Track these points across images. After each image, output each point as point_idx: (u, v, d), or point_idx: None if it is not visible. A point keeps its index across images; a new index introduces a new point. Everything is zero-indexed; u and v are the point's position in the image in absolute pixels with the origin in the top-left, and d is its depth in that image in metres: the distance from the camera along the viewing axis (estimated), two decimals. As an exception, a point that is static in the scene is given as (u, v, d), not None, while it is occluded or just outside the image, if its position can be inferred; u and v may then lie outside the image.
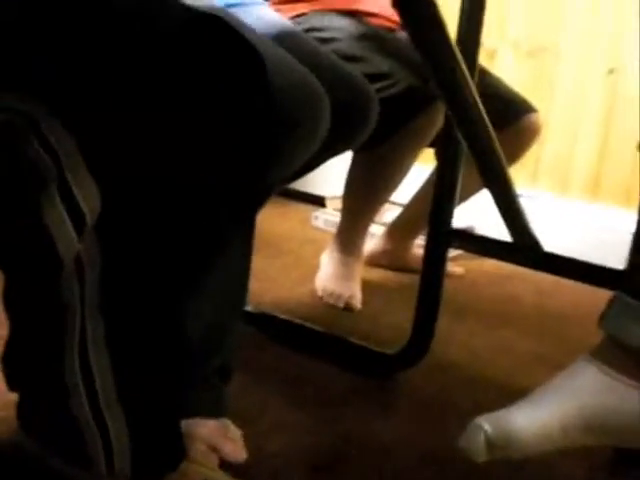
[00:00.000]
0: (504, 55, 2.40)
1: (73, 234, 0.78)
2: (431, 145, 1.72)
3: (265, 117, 0.85)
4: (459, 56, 0.98)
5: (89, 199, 0.78)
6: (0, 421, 1.03)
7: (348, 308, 1.69)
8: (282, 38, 1.18)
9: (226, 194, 0.88)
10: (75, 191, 0.77)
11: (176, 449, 0.92)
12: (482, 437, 0.82)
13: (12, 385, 0.96)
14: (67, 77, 0.77)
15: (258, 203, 1.01)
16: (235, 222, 0.95)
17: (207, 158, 0.83)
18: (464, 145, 1.18)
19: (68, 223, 0.78)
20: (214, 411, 1.01)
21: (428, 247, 1.31)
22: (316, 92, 1.00)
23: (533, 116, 1.80)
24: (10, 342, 0.94)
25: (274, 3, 1.59)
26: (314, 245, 2.08)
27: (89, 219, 0.79)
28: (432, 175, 1.89)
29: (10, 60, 0.77)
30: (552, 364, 1.36)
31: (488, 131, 1.08)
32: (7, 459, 0.96)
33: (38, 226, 0.78)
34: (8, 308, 0.91)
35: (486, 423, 0.83)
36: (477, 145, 1.09)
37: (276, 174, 0.98)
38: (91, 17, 0.79)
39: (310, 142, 1.00)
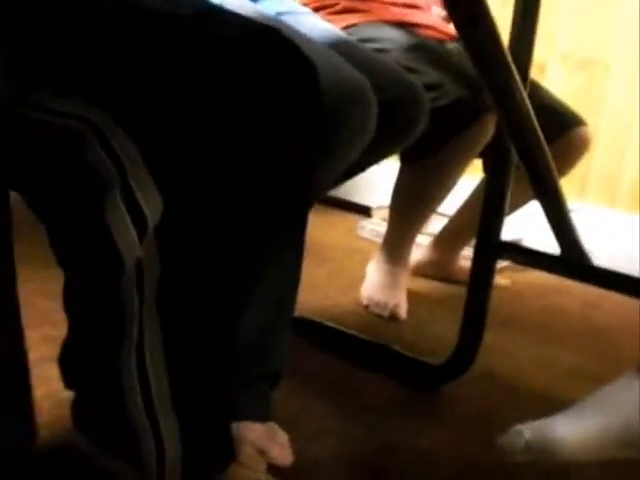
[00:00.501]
0: (553, 68, 2.39)
1: (135, 237, 0.80)
2: (479, 156, 1.72)
3: (314, 114, 0.87)
4: (512, 66, 0.98)
5: (151, 203, 0.80)
6: (54, 419, 1.05)
7: (393, 317, 1.69)
8: (334, 43, 1.19)
9: (279, 193, 0.90)
10: (138, 195, 0.79)
11: (226, 451, 0.94)
12: (522, 440, 0.83)
13: (68, 384, 0.98)
14: (130, 84, 0.80)
15: (309, 203, 1.02)
16: (287, 225, 0.96)
17: (261, 157, 0.85)
18: (515, 156, 1.18)
19: (130, 226, 0.80)
20: (262, 415, 1.03)
21: (476, 258, 1.31)
22: (364, 89, 1.01)
23: (583, 129, 1.79)
24: (68, 341, 0.96)
25: (326, 14, 1.61)
26: (360, 255, 2.09)
27: (150, 223, 0.81)
28: (479, 186, 1.89)
29: (74, 66, 0.80)
30: (596, 377, 1.35)
31: (540, 141, 1.08)
32: (61, 457, 0.98)
33: (101, 229, 0.80)
34: (68, 308, 0.93)
35: (527, 429, 0.84)
36: (529, 156, 1.09)
37: (326, 170, 0.99)
38: (152, 24, 0.81)
39: (357, 138, 1.01)
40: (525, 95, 0.99)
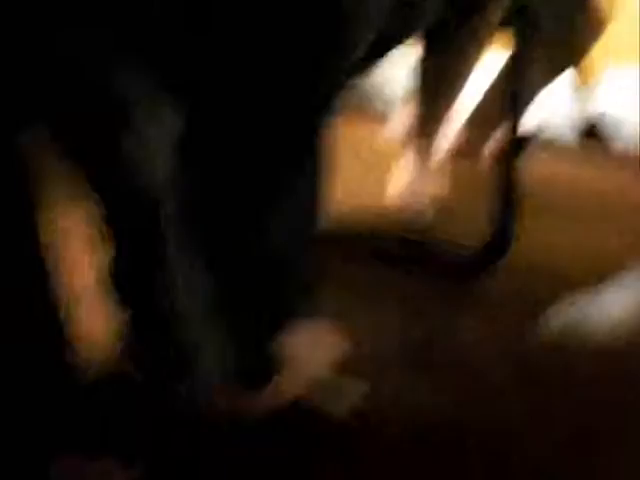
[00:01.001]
0: None
1: (163, 149, 0.82)
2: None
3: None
4: None
5: (172, 117, 0.82)
6: (104, 348, 1.09)
7: (428, 207, 1.70)
8: None
9: (293, 92, 0.90)
10: (160, 112, 0.81)
11: (276, 356, 0.97)
12: (558, 320, 0.86)
13: (120, 305, 1.01)
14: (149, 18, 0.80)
15: (327, 99, 1.00)
16: (305, 128, 0.96)
17: (266, 66, 0.85)
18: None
19: (157, 140, 0.82)
20: (309, 312, 1.05)
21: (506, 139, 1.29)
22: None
23: None
24: (115, 262, 0.98)
25: None
26: (389, 153, 2.07)
27: (175, 136, 0.82)
28: (505, 65, 1.84)
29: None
30: (634, 257, 1.36)
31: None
32: (114, 380, 1.02)
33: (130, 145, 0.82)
34: (109, 231, 0.96)
35: (562, 312, 0.86)
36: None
37: (337, 60, 0.98)
38: None
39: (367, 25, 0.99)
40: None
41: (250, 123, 0.88)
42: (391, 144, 2.21)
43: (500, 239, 1.34)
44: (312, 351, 1.03)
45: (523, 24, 1.25)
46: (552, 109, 1.92)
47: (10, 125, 0.75)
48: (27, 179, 0.73)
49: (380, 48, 1.16)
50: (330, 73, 0.96)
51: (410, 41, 1.39)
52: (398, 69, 1.80)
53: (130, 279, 0.97)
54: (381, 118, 2.44)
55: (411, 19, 1.19)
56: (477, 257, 1.37)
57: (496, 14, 1.57)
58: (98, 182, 0.90)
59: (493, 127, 1.98)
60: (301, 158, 0.96)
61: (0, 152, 0.74)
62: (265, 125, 0.88)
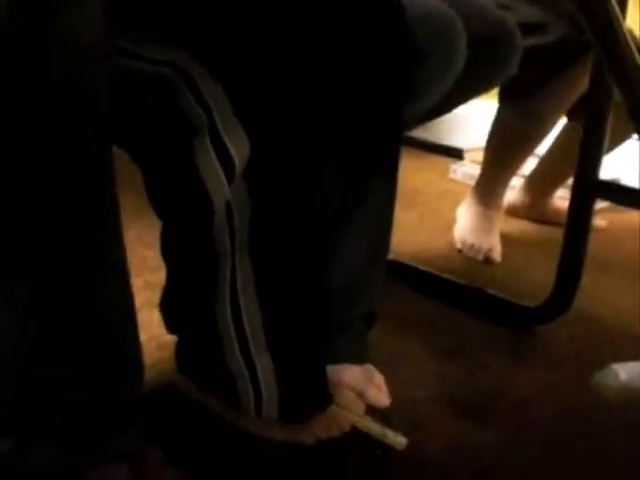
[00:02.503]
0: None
1: (224, 181, 0.82)
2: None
3: (403, 51, 0.86)
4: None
5: (238, 147, 0.81)
6: (157, 361, 1.08)
7: (488, 261, 1.67)
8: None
9: (368, 130, 0.89)
10: (225, 139, 0.80)
11: (322, 393, 0.95)
12: (617, 380, 0.83)
13: (170, 328, 1.01)
14: (216, 27, 0.80)
15: (398, 140, 1.01)
16: (377, 163, 0.95)
17: (350, 96, 0.84)
18: (615, 94, 1.13)
19: (219, 170, 0.81)
20: (359, 357, 1.04)
21: (574, 198, 1.28)
22: (451, 23, 0.99)
23: None
24: (167, 288, 0.99)
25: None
26: (452, 198, 2.06)
27: (238, 166, 0.82)
28: (568, 123, 1.83)
29: (161, 11, 0.81)
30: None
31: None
32: (165, 398, 1.02)
33: (191, 173, 0.82)
34: (165, 255, 0.96)
35: (623, 369, 0.83)
36: (630, 91, 1.05)
37: (411, 107, 0.98)
38: None
39: (444, 72, 1.00)
40: (624, 25, 0.94)
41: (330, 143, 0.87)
42: (456, 187, 2.21)
43: (563, 293, 1.31)
44: (361, 389, 1.01)
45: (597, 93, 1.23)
46: (622, 165, 1.89)
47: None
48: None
49: (456, 97, 1.16)
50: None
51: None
52: (476, 114, 1.79)
53: (183, 306, 0.97)
54: (449, 160, 2.46)
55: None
56: (539, 309, 1.34)
57: (578, 81, 1.56)
58: (163, 195, 0.90)
59: (555, 186, 1.97)
60: (374, 185, 0.95)
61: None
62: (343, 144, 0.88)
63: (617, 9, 0.87)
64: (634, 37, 1.67)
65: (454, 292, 1.48)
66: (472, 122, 1.97)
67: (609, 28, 0.93)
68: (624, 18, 1.13)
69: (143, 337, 1.11)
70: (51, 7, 0.60)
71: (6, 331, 0.70)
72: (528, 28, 1.26)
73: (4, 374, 0.72)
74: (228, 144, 0.81)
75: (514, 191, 1.99)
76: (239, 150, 0.81)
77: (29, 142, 0.63)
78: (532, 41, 1.23)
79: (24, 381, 0.72)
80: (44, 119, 0.63)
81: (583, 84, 1.55)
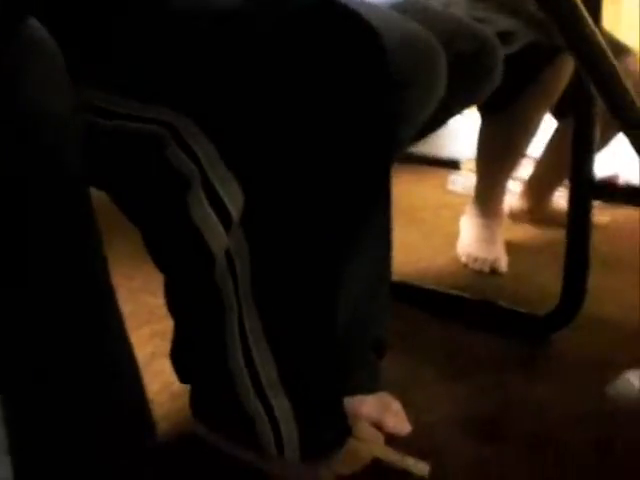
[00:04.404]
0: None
1: (222, 230, 0.82)
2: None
3: (382, 79, 0.86)
4: (580, 3, 0.94)
5: (232, 195, 0.81)
6: (172, 411, 1.08)
7: (494, 271, 1.67)
8: (398, 3, 1.17)
9: (357, 162, 0.89)
10: (219, 190, 0.81)
11: (341, 428, 0.95)
12: (632, 389, 0.82)
13: (182, 378, 1.01)
14: (199, 82, 0.81)
15: (388, 166, 1.01)
16: (371, 192, 0.95)
17: (335, 130, 0.84)
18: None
19: (216, 220, 0.81)
20: (373, 387, 1.03)
21: (571, 201, 1.28)
22: (430, 50, 1.00)
23: (629, 58, 1.70)
24: (176, 338, 0.99)
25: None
26: (452, 210, 2.06)
27: (234, 214, 0.82)
28: (561, 125, 1.84)
29: (147, 71, 0.81)
30: None
31: (617, 75, 1.03)
32: (183, 447, 1.01)
33: (189, 226, 0.82)
34: (170, 306, 0.96)
35: (636, 378, 0.83)
36: (607, 91, 1.05)
37: (397, 134, 0.98)
38: (215, 19, 0.82)
39: (426, 100, 1.00)
40: (598, 32, 0.94)
41: (321, 180, 0.87)
42: (456, 199, 2.21)
43: (572, 298, 1.30)
44: (378, 419, 1.00)
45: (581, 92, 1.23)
46: (623, 158, 1.89)
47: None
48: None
49: (443, 115, 1.16)
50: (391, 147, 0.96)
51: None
52: (469, 123, 1.79)
53: (193, 356, 0.97)
54: (447, 171, 2.46)
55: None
56: (550, 317, 1.33)
57: (556, 82, 1.57)
58: (161, 250, 0.90)
59: (553, 188, 1.97)
60: (373, 207, 0.96)
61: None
62: (335, 176, 0.88)
63: (589, 19, 0.87)
64: (606, 35, 1.69)
65: (463, 308, 1.48)
66: (466, 132, 1.97)
67: (580, 32, 0.93)
68: (598, 18, 1.14)
69: (155, 387, 1.12)
70: (14, 76, 0.60)
71: None
72: (500, 37, 1.27)
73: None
74: (222, 195, 0.81)
75: (514, 197, 2.00)
76: (234, 199, 0.82)
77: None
78: (505, 50, 1.23)
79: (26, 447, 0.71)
80: (13, 187, 0.62)
81: (562, 82, 1.57)
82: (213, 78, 0.80)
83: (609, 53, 0.95)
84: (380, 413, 1.00)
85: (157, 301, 1.30)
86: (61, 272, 0.66)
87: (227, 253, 0.84)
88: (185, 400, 1.02)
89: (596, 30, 0.93)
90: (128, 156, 0.82)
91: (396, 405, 1.03)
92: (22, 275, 0.64)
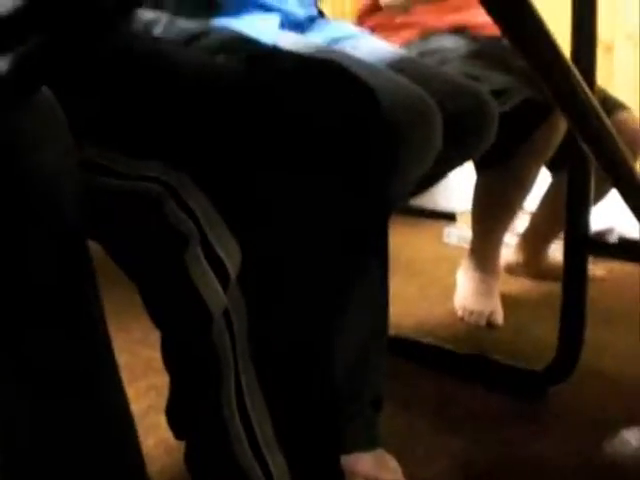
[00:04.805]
0: (620, 47, 2.32)
1: (219, 289, 0.82)
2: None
3: (378, 137, 0.87)
4: (573, 66, 0.96)
5: (231, 253, 0.82)
6: (167, 467, 1.07)
7: (490, 325, 1.67)
8: (393, 62, 1.19)
9: (353, 218, 0.90)
10: (217, 248, 0.81)
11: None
12: (630, 447, 0.82)
13: (177, 434, 1.00)
14: (195, 139, 0.82)
15: (385, 222, 1.02)
16: (367, 247, 0.96)
17: (331, 187, 0.85)
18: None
19: (214, 279, 0.82)
20: (369, 444, 1.03)
21: (567, 256, 1.29)
22: (425, 107, 1.01)
23: (622, 114, 1.73)
24: (171, 393, 0.98)
25: (383, 32, 1.61)
26: (448, 262, 2.07)
27: (232, 273, 0.82)
28: (556, 178, 1.85)
29: (142, 130, 0.82)
30: None
31: (609, 133, 1.04)
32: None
33: (186, 284, 0.82)
34: (166, 361, 0.96)
35: (633, 436, 0.83)
36: (600, 152, 1.06)
37: (396, 187, 0.99)
38: (211, 79, 0.83)
39: (422, 156, 1.01)
40: (590, 93, 0.96)
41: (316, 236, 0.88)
42: (452, 251, 2.22)
43: (568, 352, 1.30)
44: (375, 477, 1.00)
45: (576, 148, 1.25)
46: (619, 211, 1.90)
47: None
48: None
49: (438, 171, 1.17)
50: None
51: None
52: (466, 176, 1.81)
53: (189, 413, 0.97)
54: (443, 223, 2.48)
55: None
56: (547, 372, 1.33)
57: (550, 138, 1.59)
58: (159, 307, 0.90)
59: (549, 242, 1.98)
60: (370, 260, 0.96)
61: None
62: (329, 232, 0.89)
63: (582, 81, 0.88)
64: (599, 91, 1.71)
65: (459, 362, 1.47)
66: (462, 184, 1.99)
67: (571, 93, 0.94)
68: (593, 82, 1.15)
69: (150, 442, 1.11)
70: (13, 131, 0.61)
71: None
72: (494, 95, 1.29)
73: None
74: (220, 253, 0.82)
75: (510, 250, 2.01)
76: (231, 257, 0.82)
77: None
78: (500, 108, 1.25)
79: None
80: (13, 242, 0.63)
81: (557, 138, 1.58)
82: (212, 135, 0.82)
83: (601, 112, 0.97)
84: (377, 471, 1.00)
85: (155, 354, 1.29)
86: (58, 319, 0.67)
87: (225, 311, 0.85)
88: (180, 455, 1.01)
89: (587, 90, 0.94)
90: (126, 213, 0.83)
91: (393, 462, 1.02)
92: (21, 318, 0.64)
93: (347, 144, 0.85)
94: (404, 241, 2.29)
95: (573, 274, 1.29)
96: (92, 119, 0.81)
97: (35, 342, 0.66)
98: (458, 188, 2.32)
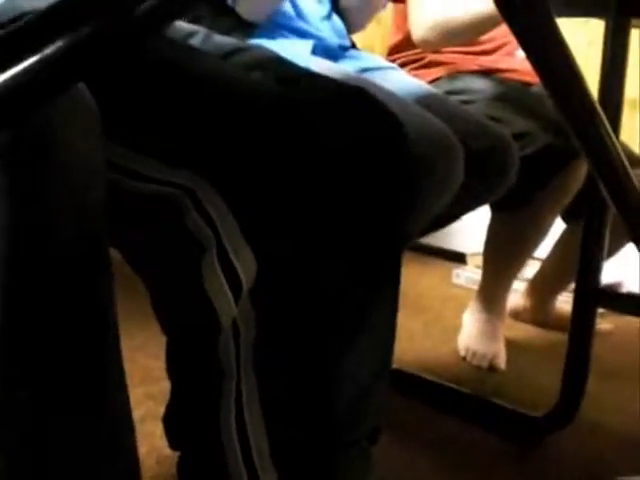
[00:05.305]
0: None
1: (231, 299, 0.82)
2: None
3: (403, 170, 0.88)
4: (600, 111, 0.96)
5: (245, 265, 0.82)
6: (156, 476, 1.07)
7: (493, 368, 1.66)
8: (420, 98, 1.21)
9: (370, 248, 0.90)
10: (233, 258, 0.81)
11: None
12: None
13: (173, 444, 1.00)
14: (223, 150, 0.83)
15: (397, 257, 1.02)
16: (380, 278, 0.96)
17: (351, 215, 0.86)
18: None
19: (227, 289, 0.82)
20: (364, 475, 1.02)
21: (576, 306, 1.28)
22: (449, 140, 1.02)
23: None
24: (171, 402, 0.98)
25: (412, 68, 1.63)
26: (456, 303, 2.07)
27: (245, 284, 0.82)
28: (569, 228, 1.85)
29: (169, 136, 0.83)
30: None
31: (633, 186, 1.05)
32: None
33: (199, 292, 0.82)
34: (170, 368, 0.96)
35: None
36: (622, 201, 1.06)
37: (410, 224, 0.99)
38: (241, 97, 0.84)
39: (443, 192, 1.02)
40: (616, 140, 0.97)
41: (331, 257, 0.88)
42: (460, 292, 2.22)
43: (569, 402, 1.29)
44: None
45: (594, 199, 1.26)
46: (625, 266, 1.90)
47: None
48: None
49: (456, 211, 1.18)
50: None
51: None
52: (478, 218, 1.81)
53: (187, 422, 0.96)
54: (452, 264, 2.47)
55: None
56: (546, 419, 1.32)
57: (568, 186, 1.59)
58: (169, 313, 0.90)
59: (557, 291, 1.98)
60: (378, 298, 0.96)
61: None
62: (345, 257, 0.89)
63: (608, 127, 0.89)
64: (622, 145, 1.72)
65: (460, 402, 1.46)
66: (474, 226, 1.99)
67: (601, 146, 0.95)
68: (618, 132, 1.16)
69: (143, 450, 1.10)
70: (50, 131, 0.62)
71: None
72: (516, 138, 1.30)
73: None
74: (236, 263, 0.82)
75: (517, 295, 2.00)
76: (246, 269, 0.82)
77: (22, 264, 0.64)
78: (520, 152, 1.26)
79: None
80: (40, 239, 0.64)
81: (575, 186, 1.59)
82: (243, 149, 0.82)
83: (625, 160, 0.97)
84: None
85: (154, 363, 1.30)
86: (72, 320, 0.67)
87: (233, 322, 0.85)
88: (172, 465, 1.01)
89: (614, 138, 0.95)
90: (147, 216, 0.84)
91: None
92: (40, 317, 0.65)
93: (373, 172, 0.85)
94: (413, 278, 2.29)
95: (580, 325, 1.29)
96: (125, 119, 0.81)
97: (49, 342, 0.66)
98: (470, 230, 2.33)
